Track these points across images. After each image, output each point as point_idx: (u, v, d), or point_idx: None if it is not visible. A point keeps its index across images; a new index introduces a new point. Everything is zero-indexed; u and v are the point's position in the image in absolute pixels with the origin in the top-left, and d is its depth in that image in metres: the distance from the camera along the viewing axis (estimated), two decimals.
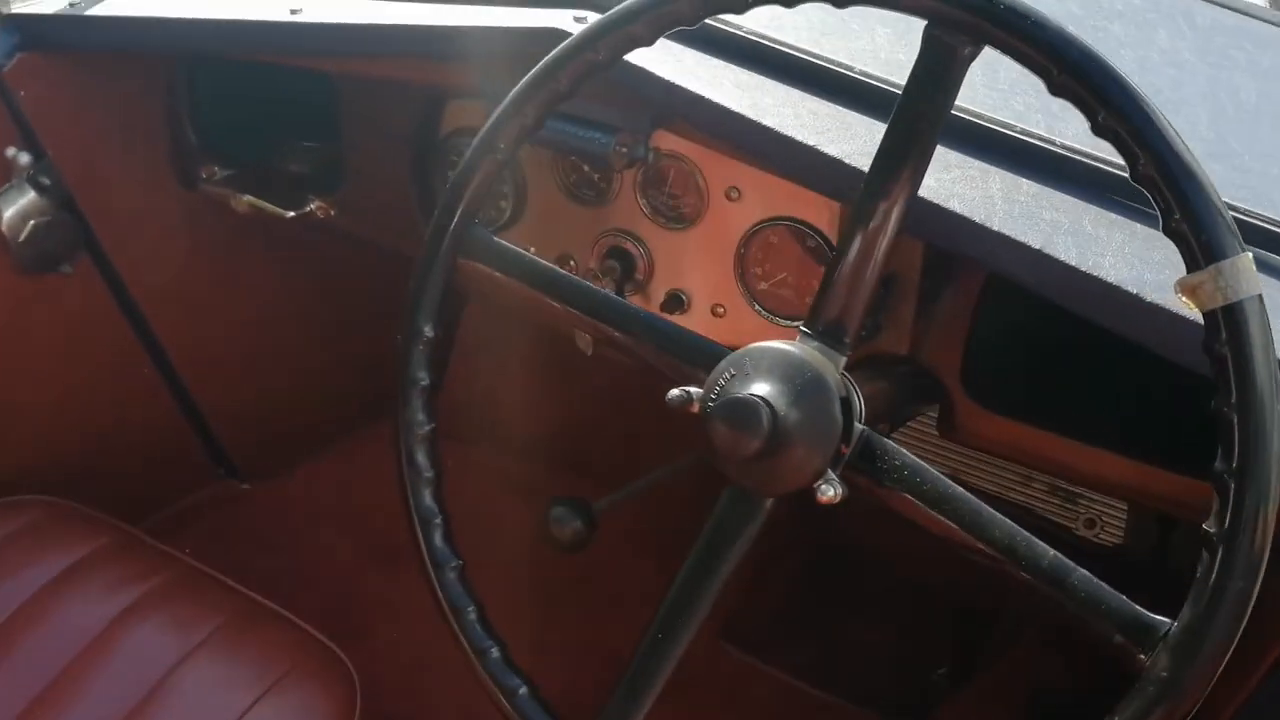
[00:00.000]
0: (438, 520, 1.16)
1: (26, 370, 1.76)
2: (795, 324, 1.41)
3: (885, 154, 0.96)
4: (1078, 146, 1.22)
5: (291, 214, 1.69)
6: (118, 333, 1.87)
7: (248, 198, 1.70)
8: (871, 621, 2.07)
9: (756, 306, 1.44)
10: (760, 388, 0.95)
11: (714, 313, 1.48)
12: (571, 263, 1.55)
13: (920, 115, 0.93)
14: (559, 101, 1.08)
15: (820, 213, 1.36)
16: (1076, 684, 1.82)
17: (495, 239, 1.16)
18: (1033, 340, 1.32)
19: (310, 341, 2.14)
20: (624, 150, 1.32)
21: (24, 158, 1.60)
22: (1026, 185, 1.16)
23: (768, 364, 0.98)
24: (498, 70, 1.23)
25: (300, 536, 2.11)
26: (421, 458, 1.18)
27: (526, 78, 1.09)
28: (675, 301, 1.49)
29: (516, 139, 1.11)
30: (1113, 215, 1.15)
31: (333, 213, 1.70)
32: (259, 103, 1.77)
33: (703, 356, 1.04)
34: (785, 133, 1.14)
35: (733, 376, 0.98)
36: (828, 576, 2.15)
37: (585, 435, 2.23)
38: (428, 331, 1.17)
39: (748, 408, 0.94)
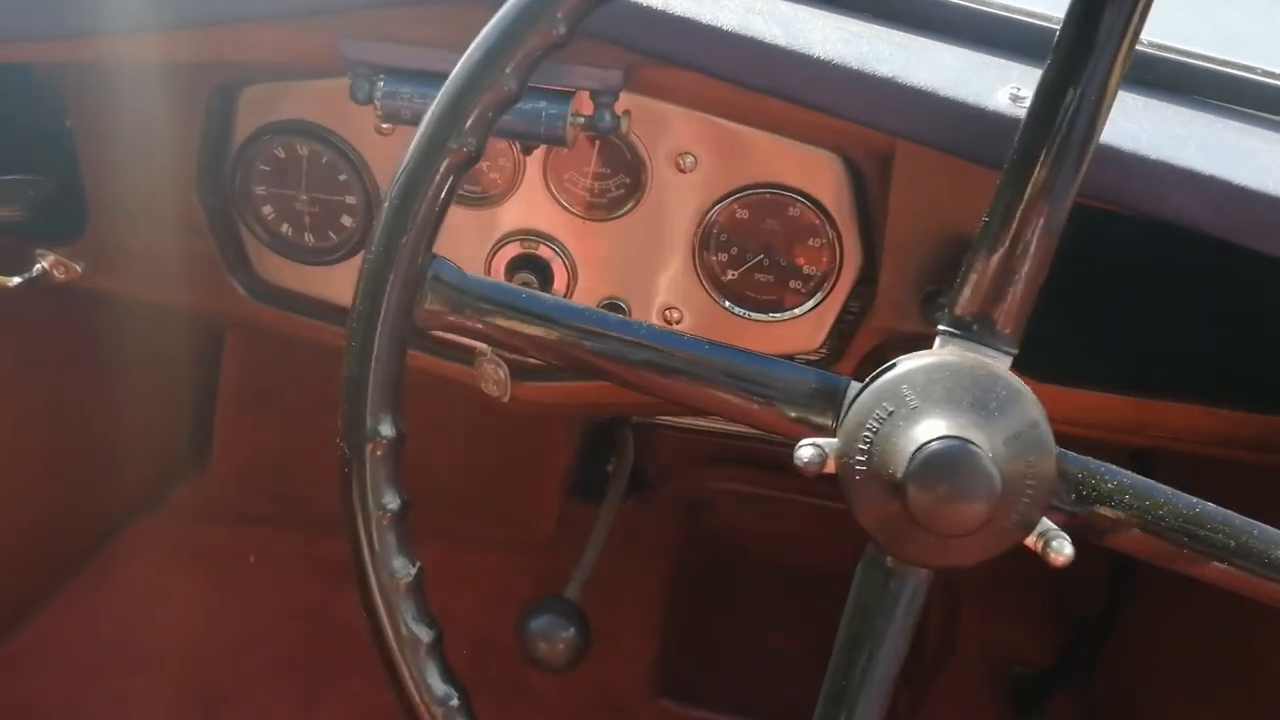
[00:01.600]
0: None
1: None
2: (777, 318, 1.12)
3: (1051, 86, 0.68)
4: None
5: (16, 280, 1.16)
6: None
7: None
8: (793, 630, 1.83)
9: (726, 303, 1.12)
10: (948, 423, 0.66)
11: (665, 319, 1.14)
12: None
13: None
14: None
15: (806, 171, 1.06)
16: (1046, 653, 1.67)
17: (468, 273, 0.77)
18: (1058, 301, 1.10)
19: (36, 459, 1.58)
20: (582, 121, 0.95)
21: None
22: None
23: (943, 387, 0.69)
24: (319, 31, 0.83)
25: (79, 694, 1.56)
26: (413, 622, 0.78)
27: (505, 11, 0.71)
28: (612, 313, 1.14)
29: (496, 107, 0.73)
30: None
31: (78, 269, 1.18)
32: None
33: (823, 393, 0.72)
34: (884, 74, 0.82)
35: (891, 413, 0.68)
36: (726, 592, 1.88)
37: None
38: (386, 431, 0.77)
39: (967, 462, 0.64)
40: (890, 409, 0.68)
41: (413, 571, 0.79)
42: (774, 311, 1.12)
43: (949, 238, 0.95)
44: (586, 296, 1.14)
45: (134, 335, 1.68)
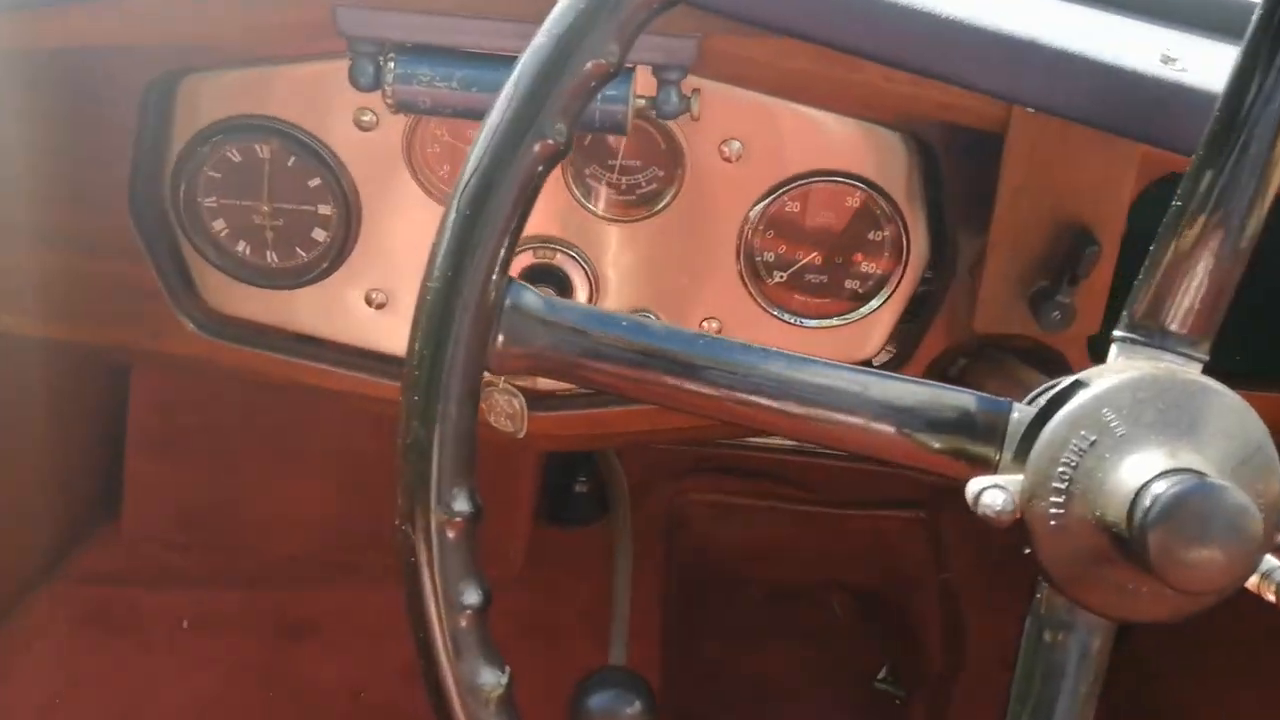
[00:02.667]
0: None
1: None
2: (828, 324, 0.98)
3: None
4: None
5: None
6: None
7: None
8: (785, 647, 1.70)
9: (773, 310, 0.97)
10: (1169, 453, 0.55)
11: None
12: None
13: None
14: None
15: (870, 156, 0.92)
16: None
17: (556, 299, 0.61)
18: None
19: None
20: (643, 103, 0.78)
21: None
22: None
23: (1154, 408, 0.56)
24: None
25: None
26: None
27: None
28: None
29: (593, 85, 0.57)
30: None
31: None
32: None
33: (981, 419, 0.59)
34: (1022, 35, 0.68)
35: (1093, 444, 0.55)
36: (715, 610, 1.74)
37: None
38: (462, 506, 0.62)
39: (1223, 505, 0.52)
40: (1091, 438, 0.55)
41: (503, 682, 0.62)
42: (827, 317, 0.98)
43: (1066, 225, 0.82)
44: (610, 309, 0.97)
45: (16, 372, 1.44)
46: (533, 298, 0.59)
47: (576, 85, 0.56)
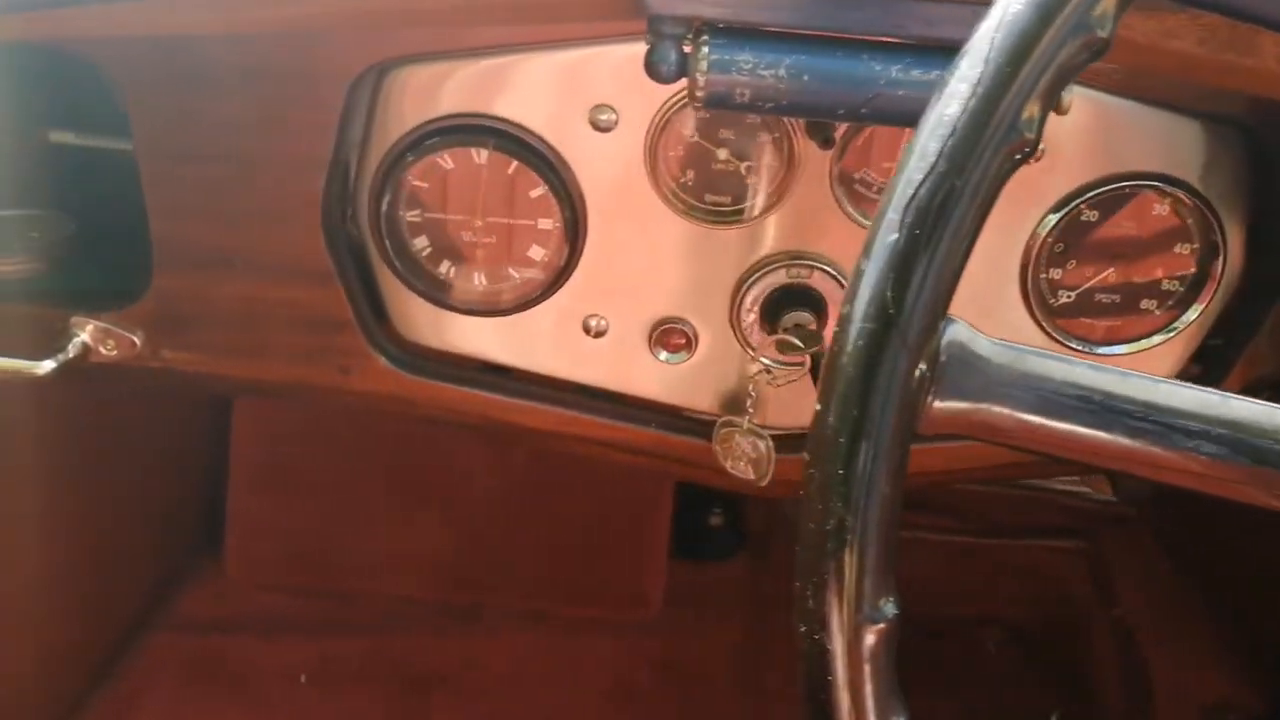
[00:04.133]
0: None
1: None
2: (1119, 352, 0.84)
3: None
4: None
5: (49, 365, 0.79)
6: None
7: None
8: (934, 687, 1.56)
9: (1058, 335, 0.84)
10: None
11: None
12: (684, 336, 0.84)
13: None
14: None
15: (1188, 156, 0.78)
16: (1257, 698, 1.44)
17: (1011, 344, 0.47)
18: None
19: (34, 603, 1.19)
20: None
21: None
22: None
23: None
24: None
25: None
26: None
27: None
28: None
29: (1074, 67, 0.44)
30: None
31: (135, 341, 0.81)
32: None
33: None
34: None
35: None
36: None
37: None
38: (888, 608, 0.49)
39: None
40: None
41: None
42: (1117, 343, 0.84)
43: None
44: None
45: (116, 400, 1.30)
46: (983, 341, 0.46)
47: (1062, 66, 0.43)
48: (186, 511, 1.47)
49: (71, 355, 0.80)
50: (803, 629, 0.48)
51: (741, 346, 0.83)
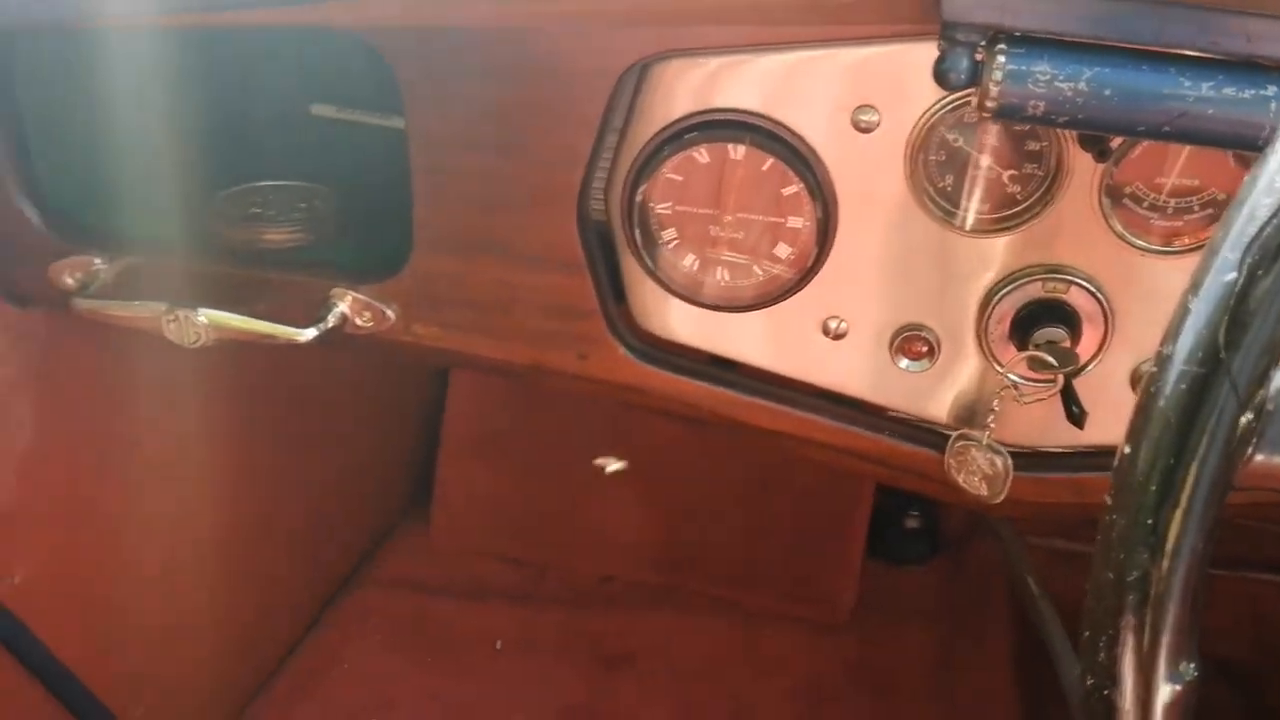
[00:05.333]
0: None
1: None
2: None
3: None
4: None
5: (310, 334, 0.83)
6: None
7: (206, 315, 0.82)
8: None
9: None
10: None
11: None
12: (926, 344, 0.82)
13: None
14: None
15: None
16: None
17: None
18: None
19: (254, 534, 1.26)
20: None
21: None
22: None
23: None
24: None
25: None
26: None
27: None
28: None
29: None
30: None
31: (390, 315, 0.85)
32: (173, 114, 0.90)
33: None
34: None
35: None
36: (1045, 672, 1.56)
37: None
38: (1188, 671, 0.45)
39: None
40: None
41: None
42: None
43: None
44: (1113, 366, 0.80)
45: (348, 373, 1.36)
46: None
47: None
48: (400, 475, 1.53)
49: (331, 325, 0.84)
50: (1090, 682, 0.46)
51: (987, 360, 0.81)
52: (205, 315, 0.82)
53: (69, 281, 0.88)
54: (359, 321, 0.86)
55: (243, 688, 1.32)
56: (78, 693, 1.08)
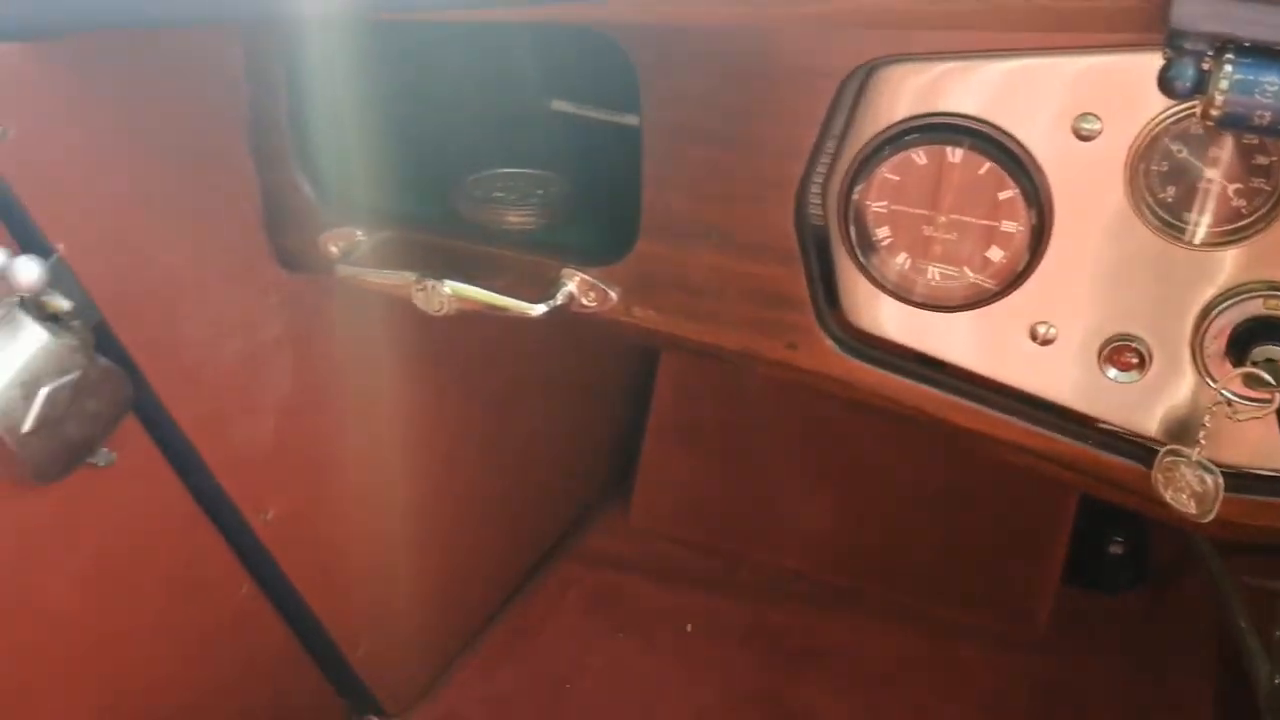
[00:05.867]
0: None
1: (48, 645, 0.95)
2: None
3: None
4: None
5: (540, 309, 0.91)
6: (195, 541, 1.06)
7: (451, 286, 0.91)
8: None
9: None
10: None
11: None
12: (1138, 356, 0.82)
13: None
14: None
15: None
16: None
17: None
18: None
19: (473, 497, 1.36)
20: None
21: (27, 270, 0.78)
22: None
23: None
24: None
25: None
26: None
27: None
28: None
29: None
30: None
31: (613, 296, 0.91)
32: (428, 100, 0.99)
33: None
34: None
35: None
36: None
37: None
38: None
39: None
40: None
41: None
42: None
43: None
44: None
45: (565, 353, 1.44)
46: None
47: None
48: (604, 456, 1.61)
49: (559, 302, 0.91)
50: None
51: (1200, 374, 0.80)
52: (450, 286, 0.91)
53: (333, 250, 0.99)
54: (584, 301, 0.93)
55: (451, 643, 1.42)
56: (311, 624, 1.20)
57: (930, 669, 1.38)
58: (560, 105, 1.14)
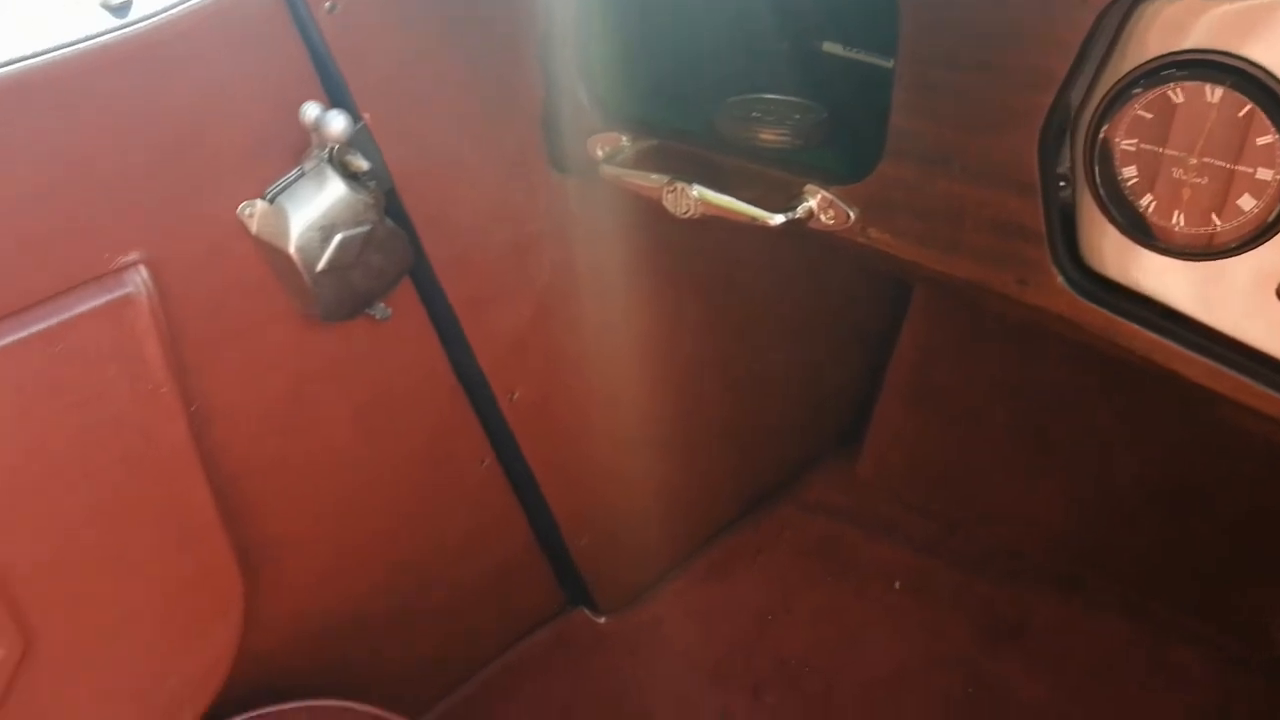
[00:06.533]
0: None
1: (314, 487, 1.09)
2: None
3: None
4: None
5: (779, 219, 0.96)
6: (449, 406, 1.18)
7: (699, 191, 0.97)
8: None
9: None
10: None
11: None
12: None
13: None
14: None
15: None
16: None
17: None
18: None
19: (706, 418, 1.43)
20: None
21: (336, 123, 0.90)
22: None
23: None
24: None
25: (687, 695, 1.40)
26: None
27: None
28: None
29: None
30: None
31: (850, 215, 0.95)
32: (692, 30, 1.06)
33: None
34: None
35: None
36: None
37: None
38: None
39: None
40: None
41: None
42: None
43: None
44: None
45: (807, 296, 1.48)
46: None
47: None
48: (837, 408, 1.63)
49: (798, 215, 0.96)
50: None
51: None
52: (698, 190, 0.97)
53: (599, 153, 1.07)
54: (823, 218, 0.97)
55: (665, 556, 1.49)
56: (540, 507, 1.30)
57: (1142, 667, 1.33)
58: (831, 47, 1.18)
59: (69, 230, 0.86)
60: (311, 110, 0.91)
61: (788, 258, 1.38)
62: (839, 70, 1.17)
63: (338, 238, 0.95)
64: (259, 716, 1.05)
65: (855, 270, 1.47)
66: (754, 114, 1.05)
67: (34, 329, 0.85)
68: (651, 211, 1.02)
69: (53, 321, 0.86)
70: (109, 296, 0.88)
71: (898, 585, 1.45)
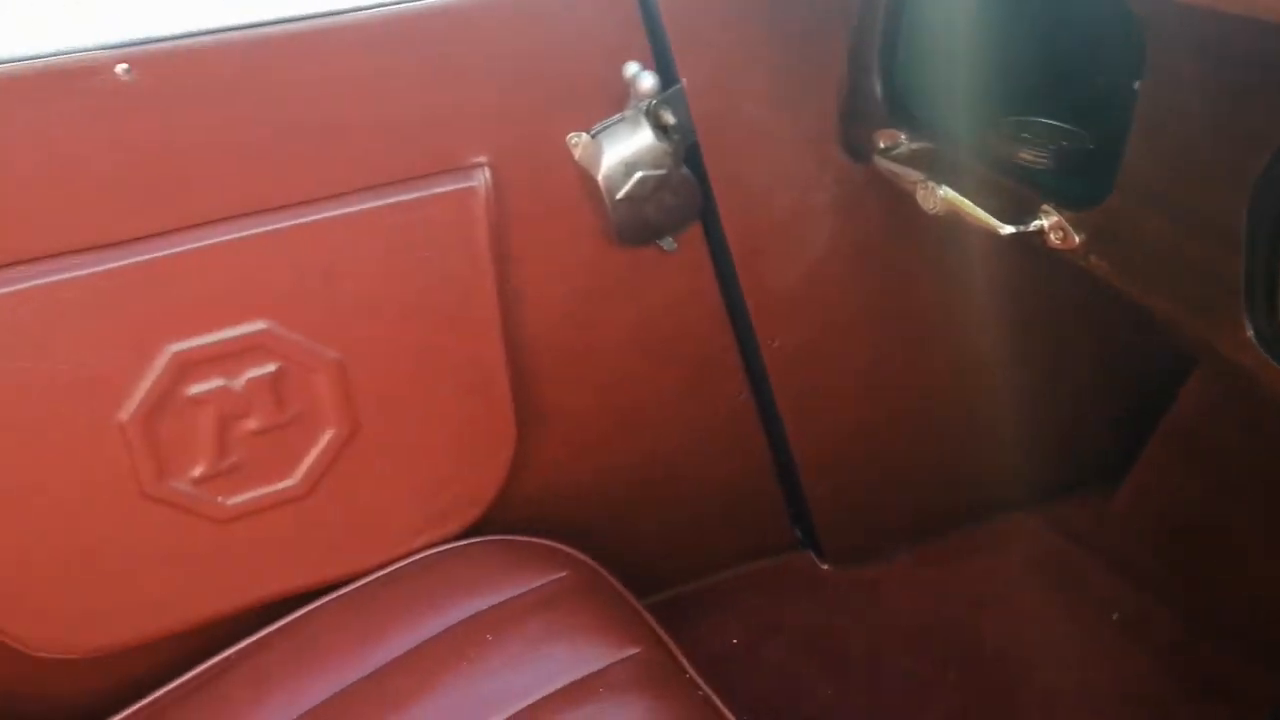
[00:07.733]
0: None
1: (588, 373, 1.33)
2: None
3: None
4: None
5: (1009, 230, 1.05)
6: (716, 340, 1.38)
7: (945, 191, 1.09)
8: None
9: None
10: None
11: None
12: None
13: None
14: None
15: None
16: None
17: None
18: None
19: (963, 415, 1.53)
20: None
21: (647, 80, 1.12)
22: None
23: None
24: None
25: (880, 650, 1.52)
26: None
27: None
28: None
29: None
30: None
31: (1077, 239, 1.03)
32: (990, 50, 1.16)
33: None
34: None
35: None
36: None
37: None
38: None
39: None
40: None
41: None
42: None
43: None
44: None
45: (1074, 319, 1.52)
46: None
47: None
48: (1108, 437, 1.64)
49: (1029, 229, 1.04)
50: None
51: None
52: (944, 191, 1.09)
53: (881, 144, 1.21)
54: (1052, 237, 1.05)
55: (894, 528, 1.60)
56: (785, 449, 1.46)
57: None
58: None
59: (441, 128, 1.14)
60: (631, 68, 1.12)
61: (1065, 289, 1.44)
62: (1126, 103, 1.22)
63: (637, 175, 1.17)
64: (507, 540, 1.31)
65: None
66: (1023, 134, 1.13)
67: (404, 197, 1.14)
68: (917, 215, 1.15)
69: (418, 194, 1.15)
70: (458, 185, 1.15)
71: (1115, 617, 1.47)
